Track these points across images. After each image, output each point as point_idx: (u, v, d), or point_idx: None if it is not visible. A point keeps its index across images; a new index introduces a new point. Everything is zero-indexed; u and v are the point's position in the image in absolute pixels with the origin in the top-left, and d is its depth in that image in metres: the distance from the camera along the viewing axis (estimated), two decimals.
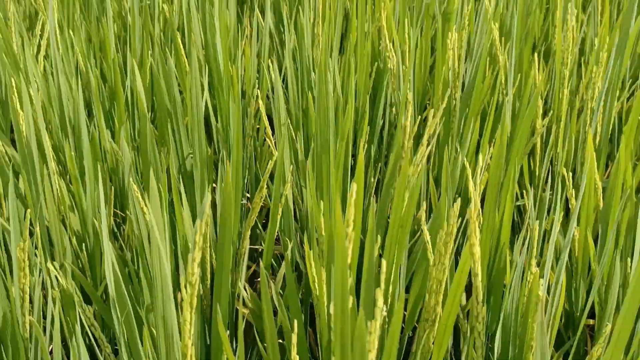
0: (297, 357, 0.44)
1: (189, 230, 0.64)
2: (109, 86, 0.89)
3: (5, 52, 0.85)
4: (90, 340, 0.59)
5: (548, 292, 0.61)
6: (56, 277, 0.58)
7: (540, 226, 0.62)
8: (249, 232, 0.68)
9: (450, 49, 0.73)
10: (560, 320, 0.71)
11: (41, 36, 1.00)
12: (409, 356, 0.62)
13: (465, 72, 0.82)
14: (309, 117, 0.83)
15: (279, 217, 0.70)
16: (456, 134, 0.78)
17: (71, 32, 0.82)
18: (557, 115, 0.78)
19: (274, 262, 0.81)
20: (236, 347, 0.66)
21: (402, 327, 0.65)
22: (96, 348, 0.58)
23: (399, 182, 0.61)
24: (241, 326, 0.53)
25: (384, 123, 0.97)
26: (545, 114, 0.92)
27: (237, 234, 0.70)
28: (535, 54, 0.74)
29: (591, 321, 0.74)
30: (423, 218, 0.66)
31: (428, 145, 0.65)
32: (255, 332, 0.71)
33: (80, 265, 0.72)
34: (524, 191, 0.82)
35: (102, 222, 0.52)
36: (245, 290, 0.70)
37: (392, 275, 0.62)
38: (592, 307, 0.69)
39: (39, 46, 0.99)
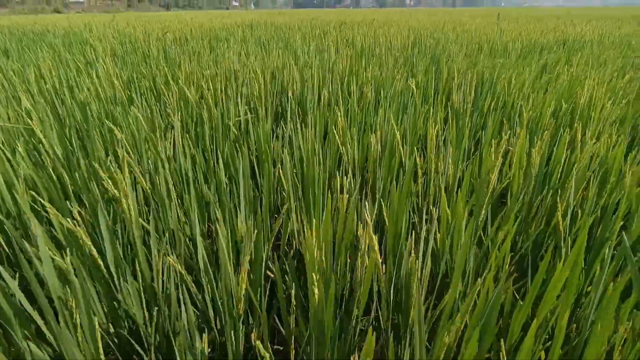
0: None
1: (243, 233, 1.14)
2: (207, 163, 1.43)
3: (150, 146, 1.41)
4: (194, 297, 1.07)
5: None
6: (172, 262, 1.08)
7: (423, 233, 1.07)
8: (273, 235, 1.17)
9: (373, 143, 1.22)
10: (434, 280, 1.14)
11: (170, 131, 1.57)
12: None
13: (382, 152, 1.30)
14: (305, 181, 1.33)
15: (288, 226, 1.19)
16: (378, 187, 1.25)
17: (187, 135, 1.37)
18: (428, 175, 1.24)
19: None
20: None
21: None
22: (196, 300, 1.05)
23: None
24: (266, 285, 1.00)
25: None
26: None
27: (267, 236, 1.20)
28: (415, 148, 1.21)
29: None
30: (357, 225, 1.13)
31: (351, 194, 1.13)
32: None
33: (190, 252, 1.22)
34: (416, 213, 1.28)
35: (197, 231, 1.02)
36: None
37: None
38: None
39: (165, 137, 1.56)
